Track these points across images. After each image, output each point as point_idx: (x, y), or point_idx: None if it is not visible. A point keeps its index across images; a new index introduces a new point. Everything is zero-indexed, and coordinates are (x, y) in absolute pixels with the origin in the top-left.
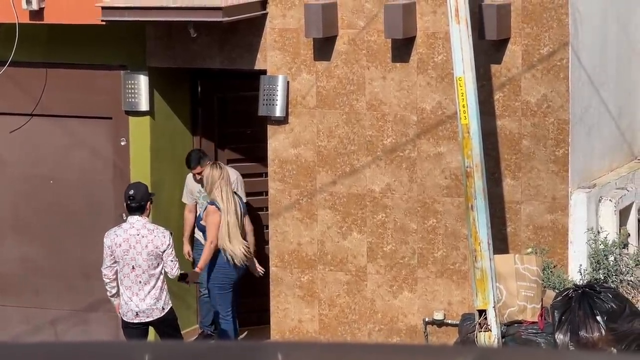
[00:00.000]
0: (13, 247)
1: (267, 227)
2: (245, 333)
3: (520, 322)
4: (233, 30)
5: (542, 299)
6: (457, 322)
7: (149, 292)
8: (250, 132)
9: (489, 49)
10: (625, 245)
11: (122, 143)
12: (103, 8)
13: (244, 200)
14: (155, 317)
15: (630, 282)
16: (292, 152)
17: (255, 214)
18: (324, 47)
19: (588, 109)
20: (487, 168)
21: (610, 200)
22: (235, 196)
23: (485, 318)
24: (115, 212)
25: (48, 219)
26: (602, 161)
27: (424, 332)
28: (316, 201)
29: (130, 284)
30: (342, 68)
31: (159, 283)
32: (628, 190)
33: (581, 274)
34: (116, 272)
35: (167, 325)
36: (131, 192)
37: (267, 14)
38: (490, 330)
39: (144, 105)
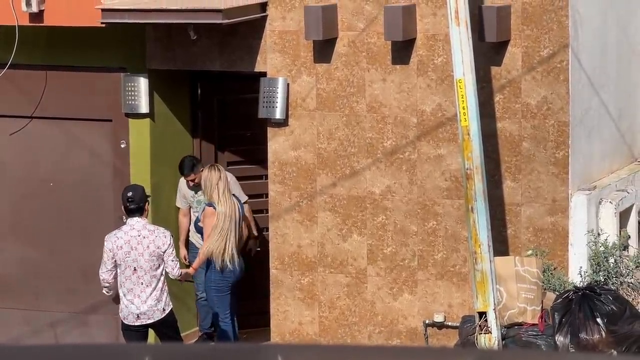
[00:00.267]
0: (13, 249)
1: (267, 230)
2: (245, 335)
3: (520, 324)
4: (233, 32)
5: (542, 301)
6: (458, 325)
7: (151, 293)
8: (250, 134)
9: (488, 51)
10: (626, 247)
11: (122, 145)
12: (103, 10)
13: (243, 200)
14: (157, 319)
15: (631, 284)
16: (292, 154)
17: (254, 216)
18: (324, 49)
19: (588, 111)
20: (487, 170)
21: (610, 202)
22: (234, 198)
23: (486, 320)
24: (115, 215)
25: (48, 221)
26: (602, 163)
27: (424, 335)
28: (316, 203)
29: (131, 286)
30: (342, 70)
31: (160, 284)
32: (628, 192)
33: (581, 276)
34: (116, 276)
35: (168, 327)
36: (129, 193)
37: (267, 16)
38: (491, 333)
39: (143, 108)
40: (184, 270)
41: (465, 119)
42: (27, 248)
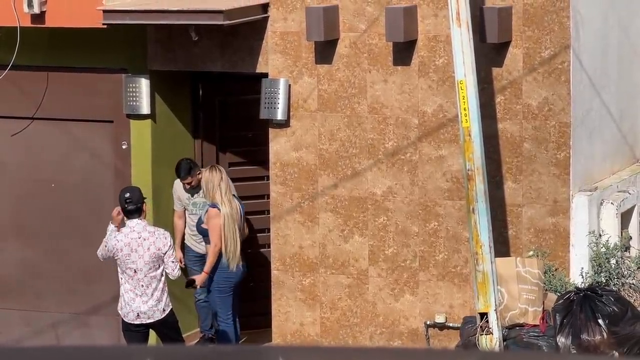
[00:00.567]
0: (14, 250)
1: (269, 230)
2: (246, 337)
3: (521, 325)
4: (234, 33)
5: (543, 301)
6: (459, 325)
7: (151, 294)
8: (251, 135)
9: (490, 52)
10: (627, 248)
11: (124, 146)
12: (104, 11)
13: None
14: (157, 319)
15: (632, 285)
16: (294, 155)
17: (255, 217)
18: (325, 50)
19: (589, 112)
20: (488, 171)
21: (611, 203)
22: (235, 199)
23: (487, 321)
24: None
25: (49, 222)
26: (603, 164)
27: (426, 335)
28: (318, 204)
29: (132, 287)
30: (343, 71)
31: (160, 285)
32: (630, 194)
33: (583, 277)
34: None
35: (169, 328)
36: (127, 194)
37: (268, 17)
38: (492, 333)
39: (145, 109)
40: (199, 277)
41: (466, 120)
42: (28, 249)
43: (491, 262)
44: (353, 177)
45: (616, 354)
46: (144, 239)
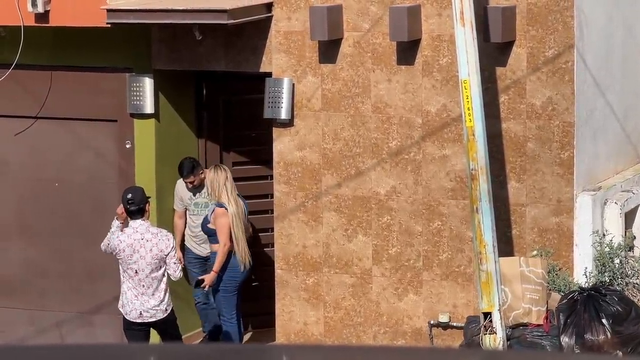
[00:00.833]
0: (18, 250)
1: (273, 230)
2: (250, 335)
3: (525, 325)
4: (238, 32)
5: (547, 301)
6: (462, 325)
7: (153, 294)
8: (255, 134)
9: (494, 51)
10: (631, 248)
11: (127, 146)
12: (108, 11)
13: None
14: (159, 318)
15: (636, 285)
16: (298, 154)
17: (258, 216)
18: (329, 50)
19: (593, 111)
20: (492, 170)
21: (615, 202)
22: (240, 199)
23: (491, 321)
24: None
25: (53, 222)
26: (607, 164)
27: (429, 335)
28: (321, 204)
29: (133, 287)
30: (347, 71)
31: (162, 285)
32: (634, 193)
33: (586, 277)
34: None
35: (170, 326)
36: (129, 195)
37: (272, 16)
38: (496, 333)
39: (149, 108)
40: (208, 277)
41: (470, 119)
42: (32, 248)
43: (495, 262)
44: (357, 176)
45: (620, 353)
46: (147, 240)
